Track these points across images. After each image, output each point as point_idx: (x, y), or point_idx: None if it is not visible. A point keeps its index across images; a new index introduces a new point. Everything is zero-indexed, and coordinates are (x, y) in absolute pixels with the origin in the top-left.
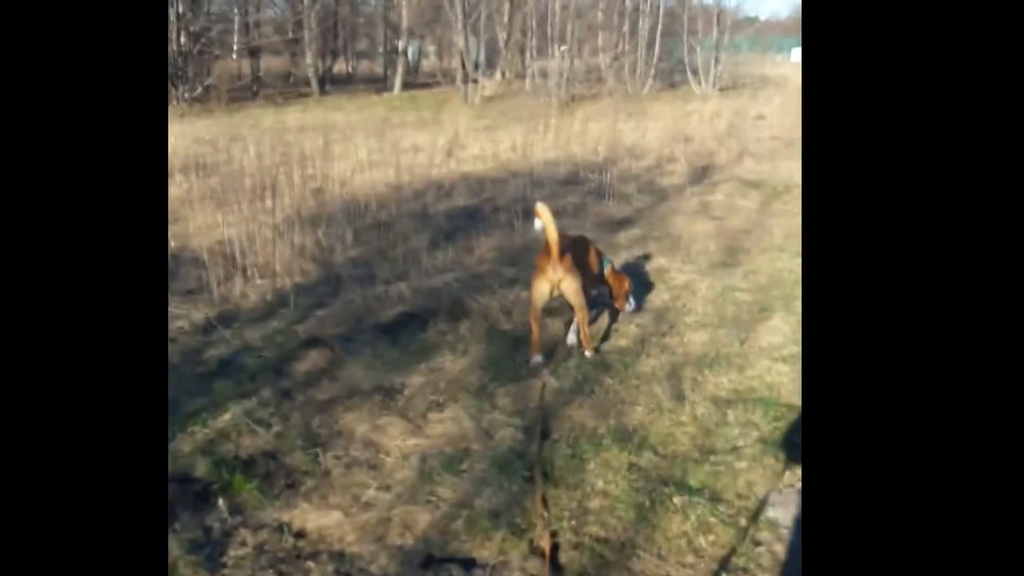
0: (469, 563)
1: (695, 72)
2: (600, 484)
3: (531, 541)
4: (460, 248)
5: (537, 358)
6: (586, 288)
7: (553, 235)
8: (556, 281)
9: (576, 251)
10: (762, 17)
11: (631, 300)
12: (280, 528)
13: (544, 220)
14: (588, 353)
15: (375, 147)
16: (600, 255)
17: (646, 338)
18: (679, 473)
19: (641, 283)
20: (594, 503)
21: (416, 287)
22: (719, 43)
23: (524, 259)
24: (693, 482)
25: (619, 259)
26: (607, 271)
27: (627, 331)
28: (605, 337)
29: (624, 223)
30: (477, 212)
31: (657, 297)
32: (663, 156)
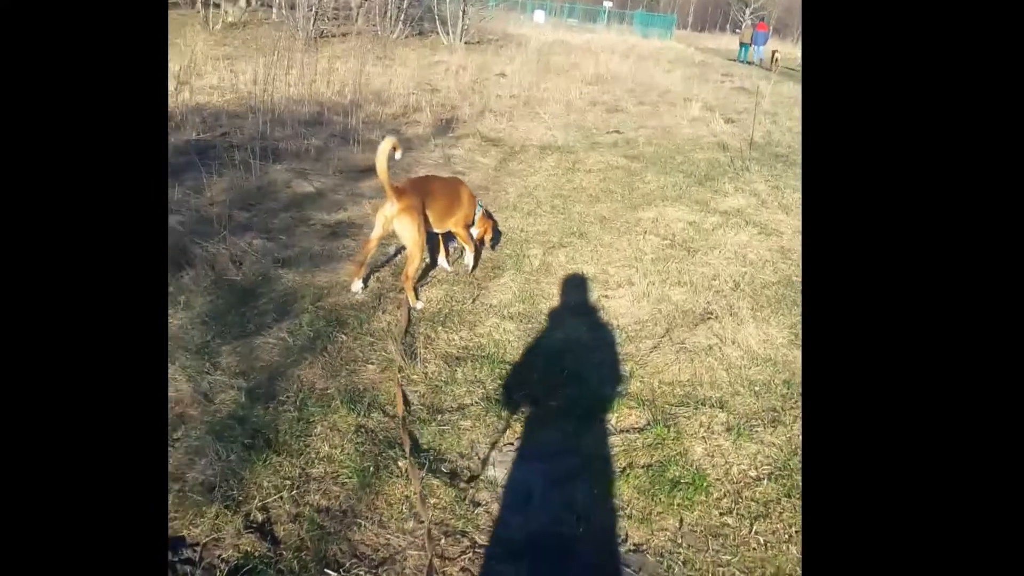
0: (178, 542)
1: (443, 23)
2: (325, 449)
3: (247, 515)
4: (188, 187)
5: (357, 284)
6: (445, 226)
7: (381, 172)
8: (389, 217)
9: (442, 192)
10: None
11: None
12: None
13: (377, 156)
14: (419, 305)
15: None
16: (474, 199)
17: (383, 293)
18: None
19: None
20: (317, 469)
21: None
22: None
23: (261, 203)
24: (420, 443)
25: (364, 209)
26: (479, 215)
27: (367, 286)
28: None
29: (368, 171)
30: (210, 148)
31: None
32: (409, 105)
